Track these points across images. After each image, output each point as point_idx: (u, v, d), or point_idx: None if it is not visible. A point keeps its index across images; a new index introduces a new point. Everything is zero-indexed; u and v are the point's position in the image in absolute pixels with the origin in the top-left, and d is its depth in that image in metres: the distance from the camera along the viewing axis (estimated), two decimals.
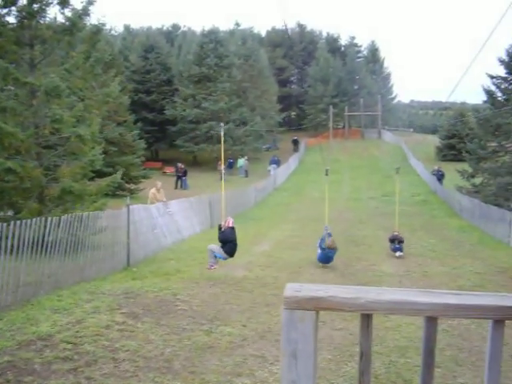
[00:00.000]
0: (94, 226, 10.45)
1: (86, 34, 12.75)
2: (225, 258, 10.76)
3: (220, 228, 11.06)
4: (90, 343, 6.03)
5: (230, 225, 10.98)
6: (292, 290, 1.44)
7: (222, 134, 12.41)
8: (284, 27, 77.08)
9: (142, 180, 29.90)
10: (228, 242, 10.68)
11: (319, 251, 13.20)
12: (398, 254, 15.35)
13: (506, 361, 6.10)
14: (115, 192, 21.53)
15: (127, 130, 30.14)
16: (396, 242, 15.41)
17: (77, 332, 6.38)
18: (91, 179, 14.26)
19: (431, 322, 1.49)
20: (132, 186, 28.48)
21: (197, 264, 11.80)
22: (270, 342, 6.50)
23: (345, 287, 1.50)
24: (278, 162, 42.86)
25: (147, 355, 5.81)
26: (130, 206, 11.78)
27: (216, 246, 10.81)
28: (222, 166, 23.97)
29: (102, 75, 22.05)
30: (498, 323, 1.46)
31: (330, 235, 13.38)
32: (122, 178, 21.99)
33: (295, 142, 55.93)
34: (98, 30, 13.07)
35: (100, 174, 15.70)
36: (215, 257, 10.69)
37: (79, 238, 9.79)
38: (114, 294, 8.38)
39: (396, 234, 15.74)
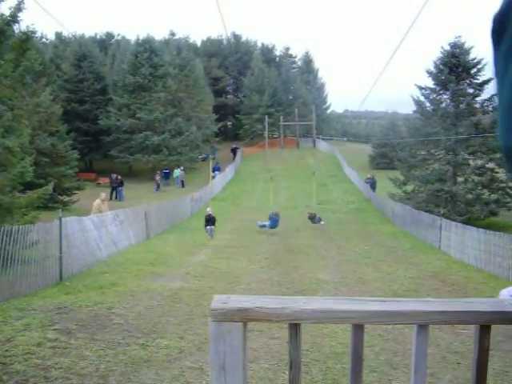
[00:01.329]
0: (25, 239, 10.09)
1: (14, 42, 12.34)
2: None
3: (209, 215, 19.88)
4: (20, 362, 5.80)
5: (212, 213, 20.09)
6: (219, 301, 1.42)
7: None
8: (222, 37, 77.36)
9: (76, 192, 29.24)
10: (214, 222, 19.76)
11: (268, 223, 21.15)
12: (322, 223, 22.57)
13: (439, 362, 6.29)
14: (47, 204, 20.93)
15: (59, 141, 29.39)
16: (315, 218, 22.91)
17: (6, 351, 6.13)
18: (22, 191, 13.81)
19: (358, 329, 1.51)
20: (65, 198, 27.76)
21: (132, 276, 11.60)
22: (207, 353, 6.43)
23: (272, 297, 1.50)
24: (220, 169, 45.27)
25: (81, 372, 5.65)
26: (63, 219, 11.47)
27: (213, 227, 19.53)
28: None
29: (33, 84, 21.50)
30: (422, 328, 1.49)
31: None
32: (55, 190, 21.45)
33: (234, 151, 56.65)
34: (27, 37, 12.66)
35: (31, 186, 15.22)
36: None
37: (8, 253, 9.42)
38: (45, 310, 8.12)
39: (313, 212, 23.99)
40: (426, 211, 21.46)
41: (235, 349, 1.38)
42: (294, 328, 1.46)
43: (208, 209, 20.85)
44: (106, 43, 70.37)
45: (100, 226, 14.46)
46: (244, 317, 1.38)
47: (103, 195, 17.53)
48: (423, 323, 1.47)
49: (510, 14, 1.07)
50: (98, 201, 16.84)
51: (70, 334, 6.91)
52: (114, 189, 33.71)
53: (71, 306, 8.42)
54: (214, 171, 43.87)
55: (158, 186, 38.56)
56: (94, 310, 8.23)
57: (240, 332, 1.39)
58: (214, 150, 58.20)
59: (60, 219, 11.31)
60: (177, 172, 42.15)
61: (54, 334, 6.85)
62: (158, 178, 39.11)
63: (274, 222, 21.00)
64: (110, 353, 6.29)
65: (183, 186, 40.68)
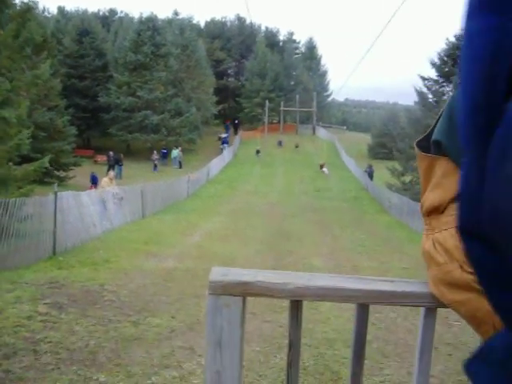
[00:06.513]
0: (19, 212, 10.02)
1: (15, 12, 12.18)
2: None
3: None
4: (9, 335, 5.75)
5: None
6: (218, 274, 1.35)
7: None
8: (226, 19, 76.68)
9: (73, 168, 29.14)
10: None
11: None
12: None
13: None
14: (43, 179, 20.83)
15: (58, 116, 29.23)
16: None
17: None
18: (18, 164, 13.69)
19: (363, 309, 1.45)
20: (61, 174, 27.67)
21: (126, 254, 11.54)
22: (198, 333, 6.40)
23: (274, 272, 1.42)
24: (228, 143, 48.77)
25: (71, 347, 5.59)
26: (58, 193, 11.38)
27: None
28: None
29: (33, 57, 21.26)
30: (430, 311, 1.43)
31: None
32: (51, 165, 21.30)
33: (235, 125, 61.66)
34: (28, 8, 12.51)
35: (28, 160, 15.10)
36: None
37: (3, 225, 9.36)
38: (37, 284, 8.05)
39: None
40: None
41: (233, 324, 1.31)
42: (296, 305, 1.39)
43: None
44: (108, 20, 69.77)
45: (96, 203, 14.38)
46: (244, 291, 1.31)
47: (111, 174, 17.73)
48: (431, 306, 1.40)
49: None
50: (105, 179, 16.86)
51: (61, 309, 6.86)
52: (111, 167, 33.56)
53: (63, 281, 8.36)
54: (222, 143, 47.90)
55: (156, 166, 38.43)
56: (86, 286, 8.17)
57: (239, 307, 1.31)
58: (228, 128, 61.48)
59: (55, 193, 11.22)
60: (175, 153, 41.95)
61: (45, 308, 6.79)
62: (155, 157, 38.94)
63: None
64: (101, 329, 6.24)
65: (181, 166, 40.52)
